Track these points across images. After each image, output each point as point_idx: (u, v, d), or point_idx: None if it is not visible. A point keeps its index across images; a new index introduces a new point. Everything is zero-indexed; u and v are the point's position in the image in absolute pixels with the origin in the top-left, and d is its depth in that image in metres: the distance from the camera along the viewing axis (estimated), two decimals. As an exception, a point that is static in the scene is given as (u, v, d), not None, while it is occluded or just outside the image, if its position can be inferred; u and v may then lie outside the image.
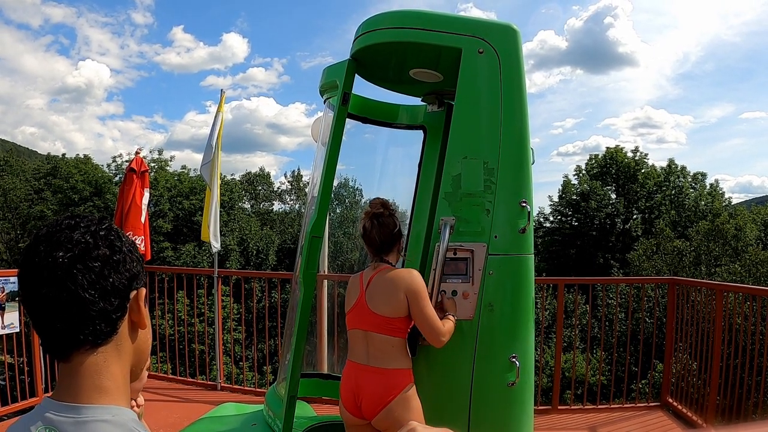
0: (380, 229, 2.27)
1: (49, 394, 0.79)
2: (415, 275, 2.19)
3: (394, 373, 2.16)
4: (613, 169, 29.20)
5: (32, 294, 0.76)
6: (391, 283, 2.18)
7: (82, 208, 25.77)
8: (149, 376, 5.27)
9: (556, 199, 30.45)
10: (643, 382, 12.20)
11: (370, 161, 3.84)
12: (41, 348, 4.45)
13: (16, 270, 0.85)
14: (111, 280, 0.78)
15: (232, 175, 34.59)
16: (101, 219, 0.83)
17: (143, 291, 0.85)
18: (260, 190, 35.63)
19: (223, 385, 5.12)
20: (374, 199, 2.43)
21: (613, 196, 29.07)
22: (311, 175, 3.46)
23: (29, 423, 0.75)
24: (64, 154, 30.22)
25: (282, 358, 3.49)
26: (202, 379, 5.63)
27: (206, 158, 5.03)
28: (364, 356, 2.21)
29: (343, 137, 2.70)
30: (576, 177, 30.29)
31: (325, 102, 3.02)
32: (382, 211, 2.30)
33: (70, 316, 0.76)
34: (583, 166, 30.49)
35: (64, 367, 0.78)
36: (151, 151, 30.41)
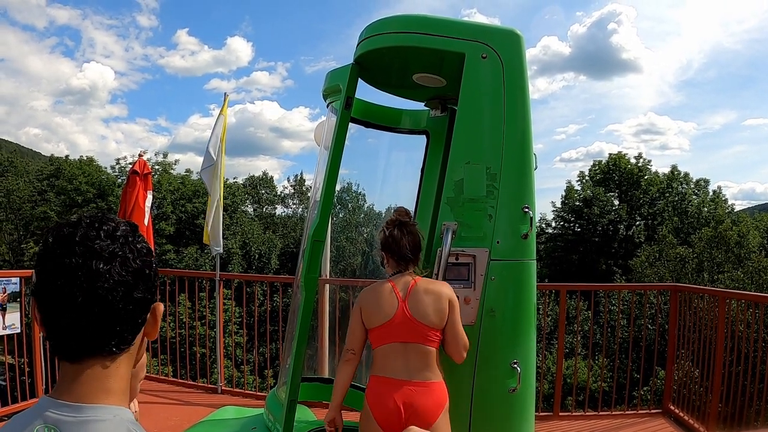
0: (411, 237, 2.23)
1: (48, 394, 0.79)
2: (451, 288, 2.19)
3: (440, 386, 2.11)
4: (616, 176, 29.16)
5: (64, 300, 0.75)
6: (437, 293, 2.14)
7: (85, 210, 25.81)
8: (151, 379, 5.27)
9: (558, 205, 30.42)
10: (644, 388, 12.11)
11: (373, 166, 3.85)
12: (44, 348, 4.46)
13: (32, 271, 0.86)
14: (145, 295, 0.81)
15: (235, 178, 34.70)
16: (134, 228, 0.84)
17: (161, 306, 0.87)
18: (263, 193, 35.67)
19: (223, 388, 5.11)
20: (399, 207, 2.41)
21: (616, 202, 29.01)
22: (314, 179, 3.47)
23: (26, 422, 0.74)
24: (67, 156, 30.40)
25: (283, 362, 3.49)
26: (203, 382, 5.63)
27: (207, 162, 5.00)
28: (404, 371, 2.09)
29: (346, 142, 2.71)
30: (579, 183, 30.27)
31: (328, 106, 3.03)
32: (408, 220, 2.29)
33: (104, 326, 0.77)
34: (586, 172, 30.51)
35: (71, 368, 0.77)
36: (156, 154, 30.56)
